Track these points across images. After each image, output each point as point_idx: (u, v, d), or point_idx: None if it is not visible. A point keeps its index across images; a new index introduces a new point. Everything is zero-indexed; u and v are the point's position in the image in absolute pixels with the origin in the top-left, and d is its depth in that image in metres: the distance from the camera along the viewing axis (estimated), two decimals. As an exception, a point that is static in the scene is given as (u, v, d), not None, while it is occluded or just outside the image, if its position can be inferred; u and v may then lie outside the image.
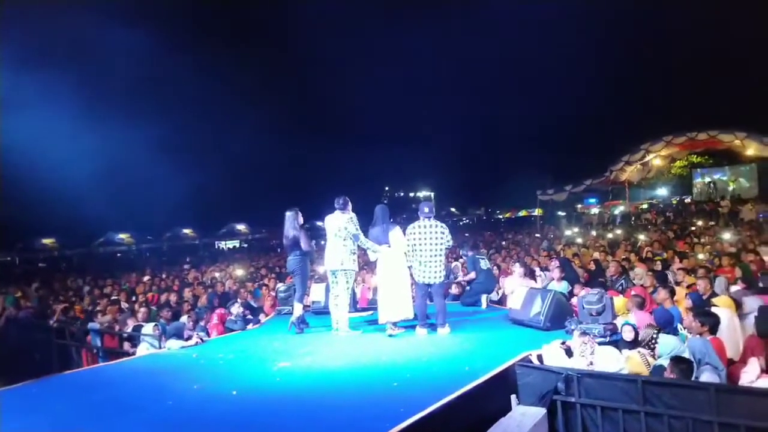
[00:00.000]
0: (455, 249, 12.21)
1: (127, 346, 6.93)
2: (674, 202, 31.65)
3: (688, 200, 30.83)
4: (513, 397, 4.34)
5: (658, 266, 8.82)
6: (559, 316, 5.97)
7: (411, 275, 6.42)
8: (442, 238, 6.20)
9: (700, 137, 22.94)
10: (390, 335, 6.18)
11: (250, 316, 7.75)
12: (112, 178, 34.53)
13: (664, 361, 4.36)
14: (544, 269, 9.21)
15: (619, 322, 5.41)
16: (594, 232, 20.68)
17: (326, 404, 3.95)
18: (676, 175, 33.42)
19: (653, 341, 4.80)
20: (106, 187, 33.86)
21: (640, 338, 4.90)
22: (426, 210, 6.33)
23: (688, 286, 6.84)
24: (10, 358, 7.03)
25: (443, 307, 6.23)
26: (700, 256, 9.96)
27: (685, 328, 5.06)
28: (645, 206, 30.76)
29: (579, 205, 38.80)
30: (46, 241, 30.48)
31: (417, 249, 6.23)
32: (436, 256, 6.19)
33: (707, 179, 30.41)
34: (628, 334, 4.99)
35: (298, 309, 6.61)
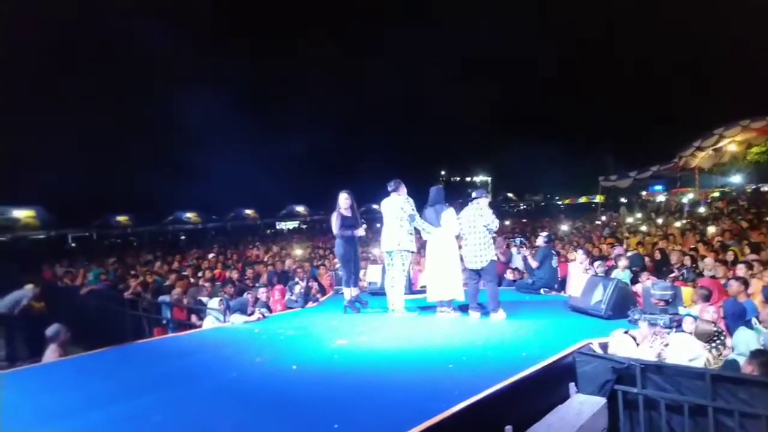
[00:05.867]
0: (513, 235, 12.03)
1: (194, 318, 7.30)
2: (749, 190, 29.71)
3: (765, 189, 28.90)
4: (572, 385, 4.26)
5: (730, 257, 8.37)
6: (622, 305, 5.79)
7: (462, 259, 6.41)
8: (479, 221, 6.12)
9: (781, 121, 21.33)
10: (440, 312, 6.26)
11: (317, 294, 8.00)
12: (180, 160, 36.12)
13: (738, 356, 4.15)
14: (604, 257, 8.94)
15: (684, 313, 5.19)
16: (660, 220, 19.77)
17: (382, 382, 4.02)
18: (753, 161, 31.25)
19: (715, 337, 4.57)
20: (174, 168, 35.52)
21: (698, 331, 4.66)
22: (473, 195, 6.30)
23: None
24: (89, 326, 7.58)
25: (495, 293, 6.14)
26: (779, 248, 9.33)
27: (761, 322, 4.78)
28: (716, 194, 29.08)
29: (644, 192, 37.15)
30: (121, 218, 32.30)
31: (463, 234, 6.22)
32: (475, 238, 6.13)
33: (788, 166, 28.35)
34: (689, 326, 4.77)
35: (346, 293, 6.71)
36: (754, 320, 4.98)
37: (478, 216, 6.13)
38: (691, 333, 4.69)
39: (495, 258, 6.41)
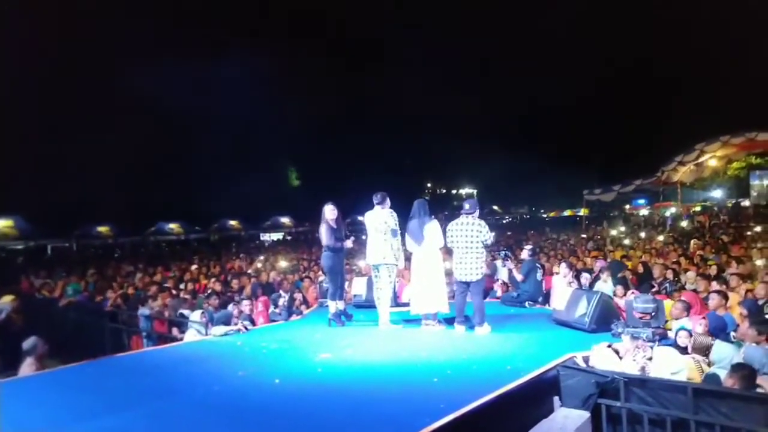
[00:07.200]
0: (498, 248, 12.10)
1: (175, 331, 7.19)
2: (729, 204, 30.27)
3: (745, 203, 29.46)
4: (555, 399, 4.26)
5: (713, 270, 8.50)
6: (605, 319, 5.81)
7: (449, 271, 6.40)
8: (478, 236, 6.11)
9: (760, 137, 21.85)
10: (425, 325, 6.24)
11: (301, 307, 7.92)
12: (163, 170, 35.84)
13: (718, 370, 4.19)
14: (589, 271, 9.00)
15: (673, 326, 5.23)
16: (643, 234, 20.04)
17: (366, 397, 3.99)
18: (733, 176, 31.93)
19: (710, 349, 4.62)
20: (157, 178, 35.23)
21: (696, 345, 4.71)
22: (467, 207, 6.30)
23: (748, 291, 6.55)
24: (67, 339, 7.41)
25: (481, 306, 6.14)
26: (758, 262, 9.52)
27: (742, 336, 4.83)
28: (698, 208, 29.58)
29: (627, 206, 37.68)
30: (102, 228, 31.81)
31: (455, 246, 6.20)
32: (472, 252, 6.10)
33: (766, 181, 28.96)
34: (683, 340, 4.81)
35: (331, 306, 6.66)
36: (732, 334, 5.04)
37: (477, 231, 6.12)
38: (687, 346, 4.73)
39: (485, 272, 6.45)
